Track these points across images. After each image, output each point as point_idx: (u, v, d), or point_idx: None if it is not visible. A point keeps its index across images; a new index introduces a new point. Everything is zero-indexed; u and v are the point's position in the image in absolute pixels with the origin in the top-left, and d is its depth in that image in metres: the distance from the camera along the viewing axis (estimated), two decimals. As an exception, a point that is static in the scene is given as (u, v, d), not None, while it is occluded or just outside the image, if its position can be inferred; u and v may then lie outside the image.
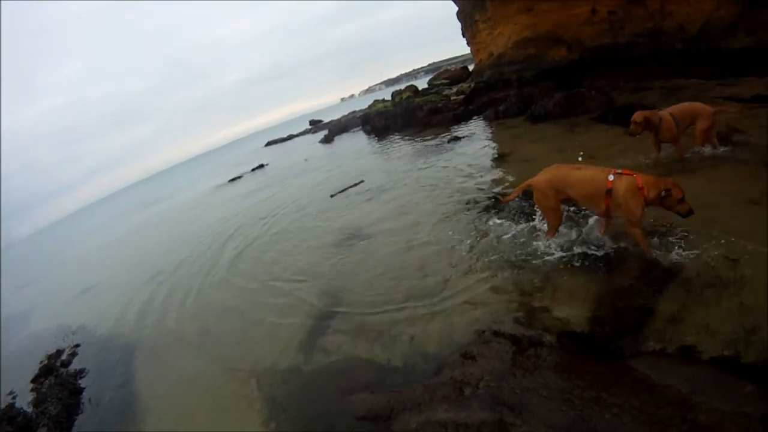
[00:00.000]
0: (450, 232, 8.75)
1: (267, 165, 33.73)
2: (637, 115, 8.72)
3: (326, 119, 61.39)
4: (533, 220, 7.83)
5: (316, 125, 61.02)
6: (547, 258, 6.73)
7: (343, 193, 14.70)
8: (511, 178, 10.68)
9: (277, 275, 9.72)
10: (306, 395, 5.74)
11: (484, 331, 5.63)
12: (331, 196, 14.71)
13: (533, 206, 7.49)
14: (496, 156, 13.50)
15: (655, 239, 6.36)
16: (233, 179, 31.46)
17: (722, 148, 8.84)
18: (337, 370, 6.01)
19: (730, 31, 15.82)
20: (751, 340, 4.30)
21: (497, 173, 11.64)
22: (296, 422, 5.37)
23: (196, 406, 6.46)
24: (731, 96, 12.54)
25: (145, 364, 8.44)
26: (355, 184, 15.18)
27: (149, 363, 8.42)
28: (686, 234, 6.29)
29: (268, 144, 60.59)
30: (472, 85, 27.17)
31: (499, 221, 8.43)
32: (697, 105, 8.97)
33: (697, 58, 16.80)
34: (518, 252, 7.18)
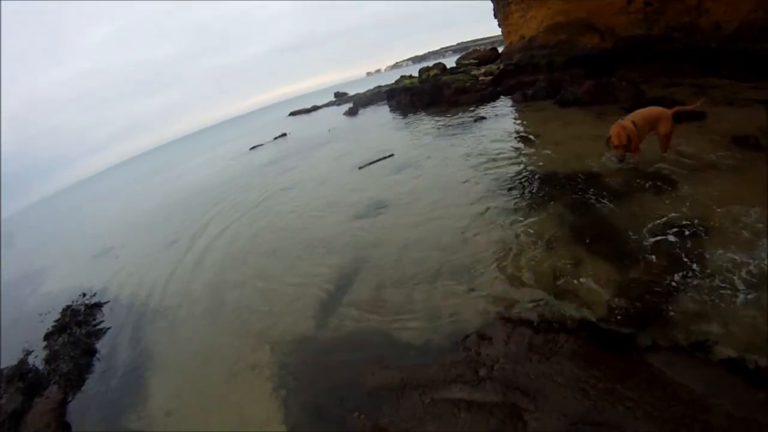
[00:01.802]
0: (476, 211, 8.78)
1: (289, 134, 33.91)
2: (614, 139, 8.64)
3: (351, 92, 60.98)
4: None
5: (340, 98, 60.61)
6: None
7: (371, 165, 14.74)
8: (541, 162, 10.61)
9: (299, 245, 9.80)
10: (318, 364, 5.83)
11: (502, 314, 5.65)
12: (359, 168, 14.76)
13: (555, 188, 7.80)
14: (524, 137, 13.46)
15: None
16: (254, 147, 31.56)
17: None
18: (351, 341, 6.08)
19: (766, 34, 15.46)
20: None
21: (527, 154, 11.67)
22: (306, 391, 5.45)
23: (208, 372, 6.58)
24: (761, 99, 12.34)
25: (161, 329, 8.56)
26: (385, 158, 15.17)
27: (165, 328, 8.54)
28: (703, 230, 6.35)
29: (292, 114, 60.50)
30: (501, 66, 26.97)
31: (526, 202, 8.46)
32: (657, 109, 9.02)
33: (731, 58, 16.50)
34: (549, 232, 7.24)
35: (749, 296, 4.93)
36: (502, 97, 22.15)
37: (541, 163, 10.51)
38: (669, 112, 8.83)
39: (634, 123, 8.71)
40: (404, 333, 5.88)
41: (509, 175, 10.22)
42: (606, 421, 3.82)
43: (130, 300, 10.48)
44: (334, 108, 48.50)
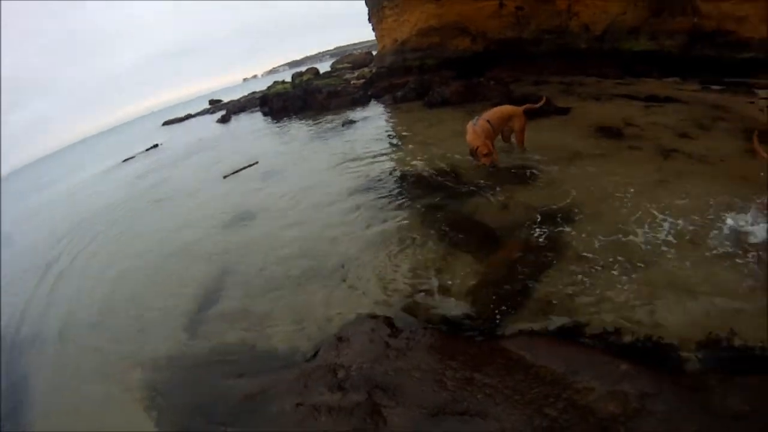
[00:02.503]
0: (343, 214, 8.66)
1: (161, 145, 32.79)
2: (482, 148, 8.57)
3: (227, 99, 60.16)
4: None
5: (215, 105, 59.66)
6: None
7: (236, 174, 14.26)
8: (407, 162, 10.66)
9: (166, 257, 9.33)
10: (187, 382, 5.55)
11: (363, 313, 5.59)
12: (224, 177, 14.22)
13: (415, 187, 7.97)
14: (392, 138, 13.52)
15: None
16: (126, 159, 30.31)
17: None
18: (218, 354, 5.84)
19: (633, 34, 16.64)
20: (633, 320, 4.53)
21: (394, 155, 11.68)
22: (176, 410, 5.18)
23: (82, 400, 5.99)
24: (627, 94, 13.12)
25: (30, 361, 7.67)
26: (249, 165, 14.71)
27: (33, 359, 7.66)
28: (576, 214, 6.67)
29: (166, 123, 59.08)
30: (374, 70, 27.18)
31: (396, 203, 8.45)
32: (508, 107, 9.46)
33: (599, 58, 17.43)
34: (414, 231, 7.25)
35: (616, 275, 5.24)
36: (373, 100, 22.18)
37: (407, 163, 10.60)
38: (520, 109, 9.25)
39: (488, 122, 8.92)
40: (269, 341, 5.76)
41: (376, 176, 10.20)
42: (466, 409, 3.82)
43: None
44: (208, 116, 47.50)
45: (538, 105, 9.84)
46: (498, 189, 8.01)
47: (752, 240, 5.40)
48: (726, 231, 5.65)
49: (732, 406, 3.49)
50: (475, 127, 8.76)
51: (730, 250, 5.33)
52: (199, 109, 61.50)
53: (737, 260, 5.14)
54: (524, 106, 9.45)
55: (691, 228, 5.90)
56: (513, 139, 9.69)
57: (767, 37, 13.84)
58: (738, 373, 3.79)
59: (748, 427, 3.37)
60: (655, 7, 15.83)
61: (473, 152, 8.75)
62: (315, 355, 5.18)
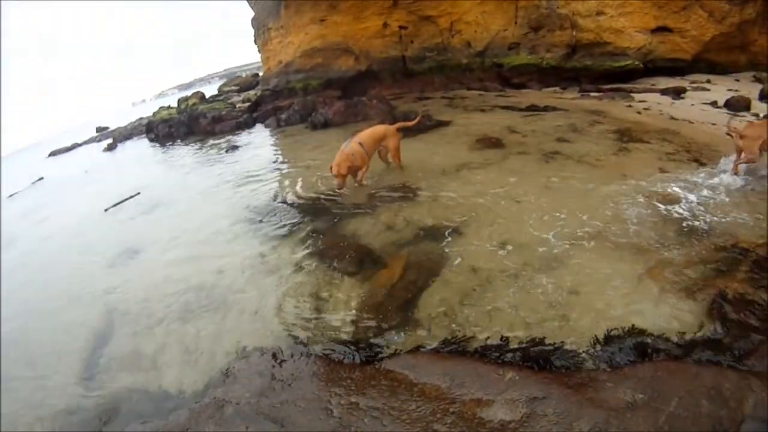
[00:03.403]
0: (227, 243, 8.53)
1: (46, 178, 31.29)
2: (334, 169, 8.54)
3: (113, 126, 58.74)
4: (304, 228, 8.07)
5: (102, 132, 58.02)
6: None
7: (119, 206, 13.59)
8: (289, 188, 10.53)
9: (49, 304, 8.59)
10: None
11: (245, 347, 5.54)
12: (105, 210, 13.49)
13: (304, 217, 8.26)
14: (274, 164, 13.38)
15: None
16: (12, 194, 28.96)
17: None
18: (113, 402, 5.56)
19: (514, 49, 17.30)
20: (520, 327, 4.67)
21: (276, 181, 11.54)
22: None
23: None
24: (508, 106, 13.49)
25: None
26: (131, 197, 14.06)
27: None
28: (462, 226, 6.79)
29: (52, 154, 57.06)
30: (259, 93, 26.73)
31: (276, 230, 8.38)
32: (381, 127, 9.50)
33: (480, 72, 18.09)
34: (298, 258, 7.22)
35: (504, 284, 5.38)
36: (258, 123, 21.90)
37: (289, 188, 10.52)
38: (393, 128, 9.33)
39: (361, 144, 8.83)
40: (161, 382, 5.56)
41: (260, 202, 10.07)
42: None
43: None
44: (95, 144, 46.05)
45: (412, 123, 9.98)
46: (381, 209, 8.00)
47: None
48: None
49: (624, 397, 3.60)
50: (345, 150, 8.69)
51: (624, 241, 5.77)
52: (86, 137, 59.79)
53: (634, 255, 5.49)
54: (397, 125, 9.56)
55: (579, 227, 6.18)
56: (390, 158, 9.69)
57: (643, 46, 14.50)
58: (628, 363, 3.95)
59: (644, 415, 3.45)
60: (535, 24, 16.40)
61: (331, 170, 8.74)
62: (205, 392, 5.06)
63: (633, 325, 4.36)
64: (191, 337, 6.08)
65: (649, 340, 4.16)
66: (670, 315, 4.49)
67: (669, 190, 6.90)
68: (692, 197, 6.67)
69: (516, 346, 4.38)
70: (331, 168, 8.55)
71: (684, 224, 6.04)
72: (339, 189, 8.64)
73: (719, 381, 3.61)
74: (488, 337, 4.57)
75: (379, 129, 9.30)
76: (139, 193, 13.96)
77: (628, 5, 14.90)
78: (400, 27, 19.26)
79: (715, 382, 3.61)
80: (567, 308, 4.79)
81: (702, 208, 6.40)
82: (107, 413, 5.41)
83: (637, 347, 4.10)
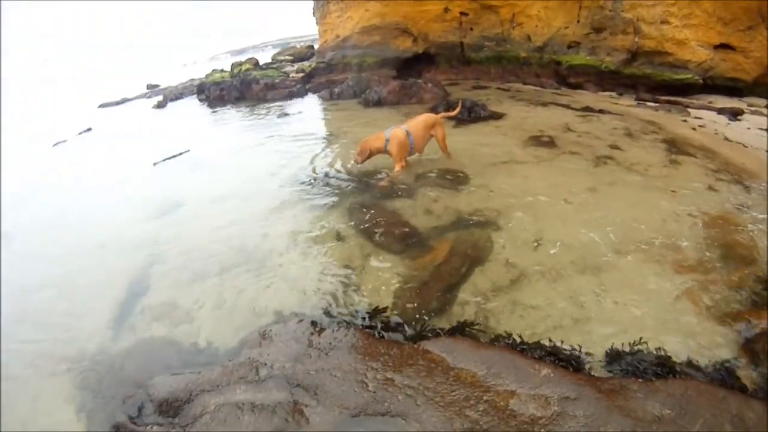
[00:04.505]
0: (272, 208, 8.50)
1: (94, 128, 31.40)
2: (363, 145, 8.69)
3: (164, 84, 58.81)
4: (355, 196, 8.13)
5: (152, 89, 58.05)
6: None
7: (167, 161, 13.76)
8: (338, 160, 10.52)
9: (91, 249, 8.75)
10: (114, 380, 5.35)
11: (283, 311, 5.58)
12: (154, 164, 13.67)
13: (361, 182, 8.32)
14: (325, 135, 13.39)
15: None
16: (58, 143, 29.25)
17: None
18: (144, 350, 5.70)
19: (573, 48, 16.99)
20: (557, 327, 4.74)
21: (325, 152, 11.51)
22: (104, 409, 5.00)
23: (10, 396, 5.67)
24: (563, 104, 13.46)
25: None
26: (181, 153, 14.19)
27: None
28: (505, 220, 6.82)
29: (102, 106, 57.35)
30: (314, 64, 26.78)
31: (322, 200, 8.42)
32: (431, 115, 9.42)
33: (538, 68, 17.89)
34: (342, 229, 7.26)
35: (542, 282, 5.46)
36: (310, 94, 21.84)
37: (337, 161, 10.49)
38: (439, 117, 9.38)
39: (408, 132, 8.81)
40: (194, 336, 5.65)
41: (307, 171, 10.09)
42: (387, 410, 3.85)
43: None
44: (145, 100, 46.14)
45: (455, 112, 10.12)
46: (425, 192, 8.02)
47: None
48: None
49: (652, 410, 3.59)
50: (383, 133, 8.77)
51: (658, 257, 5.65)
52: (136, 93, 59.99)
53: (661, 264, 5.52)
54: (441, 114, 9.69)
55: (623, 236, 6.15)
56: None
57: (704, 61, 14.25)
58: (659, 377, 3.95)
59: (670, 431, 3.45)
60: (597, 25, 16.10)
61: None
62: (239, 351, 5.11)
63: (662, 345, 4.35)
64: (229, 295, 6.16)
65: (677, 360, 4.16)
66: (703, 339, 4.49)
67: (718, 210, 6.80)
68: (742, 221, 6.56)
69: (551, 344, 4.43)
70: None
71: (730, 248, 5.93)
72: (357, 163, 8.82)
73: (744, 410, 3.63)
74: (527, 333, 4.61)
75: (430, 117, 9.27)
76: (189, 150, 14.06)
77: (693, 17, 14.49)
78: (461, 13, 19.08)
79: (740, 410, 3.62)
80: (603, 314, 4.84)
81: (749, 234, 6.28)
82: (135, 359, 5.51)
83: (666, 364, 4.10)
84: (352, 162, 8.96)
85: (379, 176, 8.91)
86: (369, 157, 8.60)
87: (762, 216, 6.71)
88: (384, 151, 8.63)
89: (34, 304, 7.43)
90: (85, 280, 7.56)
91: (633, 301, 5.01)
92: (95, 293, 7.08)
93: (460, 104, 10.60)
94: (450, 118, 10.02)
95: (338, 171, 9.67)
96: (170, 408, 4.60)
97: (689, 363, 4.14)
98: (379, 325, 4.98)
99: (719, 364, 4.13)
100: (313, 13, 25.90)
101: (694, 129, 11.22)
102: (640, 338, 4.41)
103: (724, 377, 3.99)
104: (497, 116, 12.12)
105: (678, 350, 4.30)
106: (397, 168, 8.74)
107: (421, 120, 9.11)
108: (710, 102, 14.01)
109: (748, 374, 4.11)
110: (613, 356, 4.25)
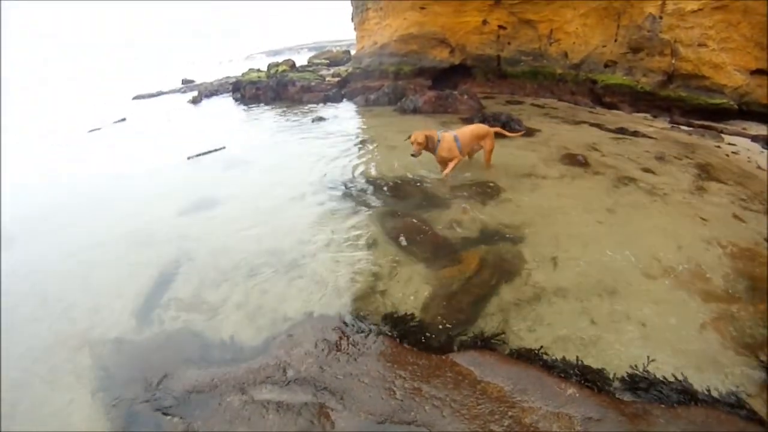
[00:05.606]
0: (304, 210, 8.65)
1: (129, 119, 31.69)
2: (417, 136, 8.69)
3: (199, 80, 59.21)
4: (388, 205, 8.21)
5: (187, 84, 58.50)
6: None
7: (201, 157, 13.97)
8: (371, 166, 10.67)
9: (124, 237, 8.92)
10: (136, 367, 5.42)
11: (312, 313, 5.63)
12: (188, 158, 13.89)
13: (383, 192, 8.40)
14: (359, 140, 13.45)
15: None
16: (93, 130, 29.62)
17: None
18: (168, 341, 5.76)
19: (610, 68, 16.86)
20: (583, 346, 4.75)
21: (358, 157, 11.62)
22: (125, 395, 5.03)
23: (28, 378, 5.79)
24: (597, 124, 13.44)
25: None
26: (216, 149, 14.42)
27: None
28: (534, 236, 6.90)
29: (136, 97, 57.87)
30: (350, 69, 27.06)
31: (352, 205, 8.50)
32: (483, 127, 9.62)
33: (573, 85, 17.81)
34: (374, 234, 7.35)
35: (568, 302, 5.45)
36: (345, 99, 22.07)
37: (371, 166, 10.62)
38: (492, 130, 9.51)
39: (456, 138, 8.96)
40: (220, 332, 5.70)
41: (340, 175, 10.21)
42: (413, 419, 3.89)
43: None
44: (179, 95, 46.59)
45: (514, 135, 10.29)
46: (458, 203, 8.10)
47: None
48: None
49: None
50: (433, 132, 8.89)
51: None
52: (171, 87, 60.48)
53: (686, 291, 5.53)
54: (495, 129, 9.68)
55: (657, 260, 6.16)
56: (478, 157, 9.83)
57: (740, 86, 14.13)
58: (681, 404, 3.94)
59: None
60: (635, 45, 16.00)
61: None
62: (265, 350, 5.16)
63: (685, 372, 4.34)
64: (256, 294, 6.25)
65: (700, 388, 4.14)
66: (726, 369, 4.48)
67: (747, 242, 6.73)
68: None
69: (577, 364, 4.43)
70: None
71: (757, 281, 5.85)
72: (413, 155, 8.77)
73: (762, 442, 3.60)
74: (551, 349, 4.65)
75: (481, 128, 9.46)
76: (224, 147, 14.22)
77: (730, 41, 14.28)
78: (499, 26, 19.19)
79: (759, 442, 3.59)
80: (627, 337, 4.86)
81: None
82: (158, 349, 5.59)
83: (688, 391, 4.09)
84: (412, 152, 8.80)
85: (418, 182, 9.10)
86: (424, 147, 8.66)
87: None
88: (434, 150, 8.80)
89: (60, 286, 7.59)
90: (110, 272, 7.71)
91: (659, 327, 5.02)
92: (120, 284, 7.20)
93: (521, 132, 10.94)
94: (498, 135, 9.92)
95: (373, 177, 9.75)
96: (193, 400, 4.66)
97: (711, 391, 4.14)
98: (408, 334, 5.01)
99: (741, 393, 4.13)
100: (352, 18, 26.04)
101: (727, 155, 11.14)
102: (664, 363, 4.43)
103: (744, 407, 3.99)
104: (532, 132, 12.21)
105: (701, 378, 4.30)
106: (450, 166, 8.94)
107: (470, 129, 9.32)
108: (744, 129, 13.83)
109: (768, 406, 4.14)
110: (636, 380, 4.25)
